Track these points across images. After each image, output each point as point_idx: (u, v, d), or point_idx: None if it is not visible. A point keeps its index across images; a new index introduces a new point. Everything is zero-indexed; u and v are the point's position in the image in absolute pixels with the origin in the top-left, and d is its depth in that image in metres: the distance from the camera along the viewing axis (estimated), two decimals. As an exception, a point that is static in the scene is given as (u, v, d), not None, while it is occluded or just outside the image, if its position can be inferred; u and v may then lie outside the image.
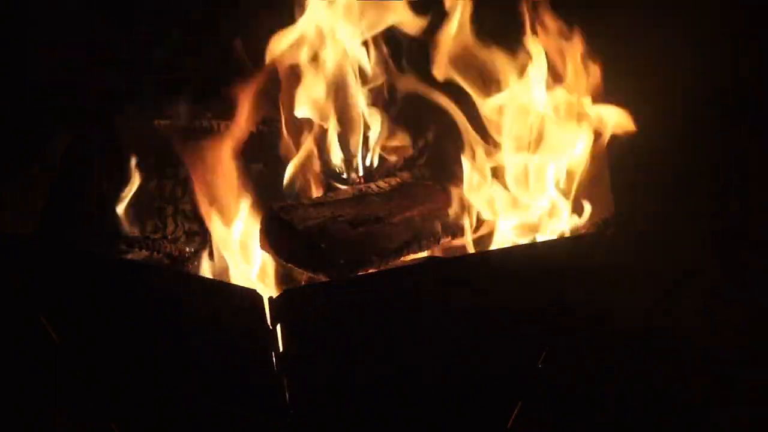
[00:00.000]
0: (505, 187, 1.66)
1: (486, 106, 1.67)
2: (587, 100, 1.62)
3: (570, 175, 1.63)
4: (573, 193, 1.63)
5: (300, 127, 1.73)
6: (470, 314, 1.40)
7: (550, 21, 1.65)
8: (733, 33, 2.00)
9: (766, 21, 2.01)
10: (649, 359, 1.85)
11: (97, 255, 1.59)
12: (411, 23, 1.70)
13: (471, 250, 1.65)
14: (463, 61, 1.67)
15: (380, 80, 1.76)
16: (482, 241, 1.67)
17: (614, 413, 1.71)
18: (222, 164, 1.58)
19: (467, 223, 1.66)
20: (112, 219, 1.75)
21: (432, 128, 1.80)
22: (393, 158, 1.77)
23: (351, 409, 1.41)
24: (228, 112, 1.88)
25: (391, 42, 1.76)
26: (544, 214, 1.64)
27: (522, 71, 1.66)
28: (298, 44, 1.71)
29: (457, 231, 1.66)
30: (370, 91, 1.76)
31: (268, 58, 1.69)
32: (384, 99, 1.78)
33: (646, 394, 1.75)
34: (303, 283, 1.53)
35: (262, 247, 1.54)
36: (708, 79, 1.95)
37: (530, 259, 1.44)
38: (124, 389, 1.51)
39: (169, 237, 1.79)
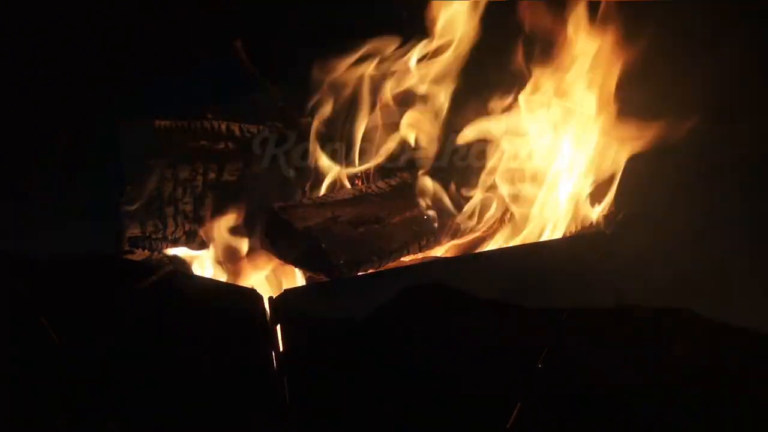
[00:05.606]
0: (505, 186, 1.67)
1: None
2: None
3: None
4: (574, 193, 1.64)
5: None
6: (470, 314, 1.40)
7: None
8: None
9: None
10: (652, 359, 1.85)
11: (97, 255, 1.58)
12: None
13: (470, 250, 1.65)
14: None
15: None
16: (482, 241, 1.67)
17: (615, 413, 1.71)
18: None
19: (467, 224, 1.66)
20: (113, 219, 1.75)
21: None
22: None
23: (351, 409, 1.41)
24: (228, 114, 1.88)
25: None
26: (544, 213, 1.64)
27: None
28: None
29: (457, 232, 1.66)
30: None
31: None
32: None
33: (648, 394, 1.75)
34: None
35: (263, 246, 1.54)
36: (715, 80, 1.95)
37: (531, 258, 1.43)
38: (124, 389, 1.51)
39: (169, 237, 1.79)
